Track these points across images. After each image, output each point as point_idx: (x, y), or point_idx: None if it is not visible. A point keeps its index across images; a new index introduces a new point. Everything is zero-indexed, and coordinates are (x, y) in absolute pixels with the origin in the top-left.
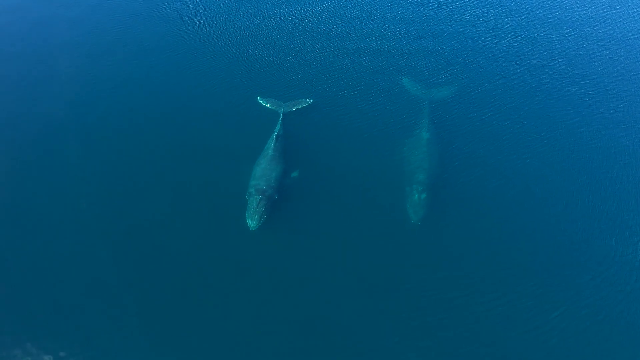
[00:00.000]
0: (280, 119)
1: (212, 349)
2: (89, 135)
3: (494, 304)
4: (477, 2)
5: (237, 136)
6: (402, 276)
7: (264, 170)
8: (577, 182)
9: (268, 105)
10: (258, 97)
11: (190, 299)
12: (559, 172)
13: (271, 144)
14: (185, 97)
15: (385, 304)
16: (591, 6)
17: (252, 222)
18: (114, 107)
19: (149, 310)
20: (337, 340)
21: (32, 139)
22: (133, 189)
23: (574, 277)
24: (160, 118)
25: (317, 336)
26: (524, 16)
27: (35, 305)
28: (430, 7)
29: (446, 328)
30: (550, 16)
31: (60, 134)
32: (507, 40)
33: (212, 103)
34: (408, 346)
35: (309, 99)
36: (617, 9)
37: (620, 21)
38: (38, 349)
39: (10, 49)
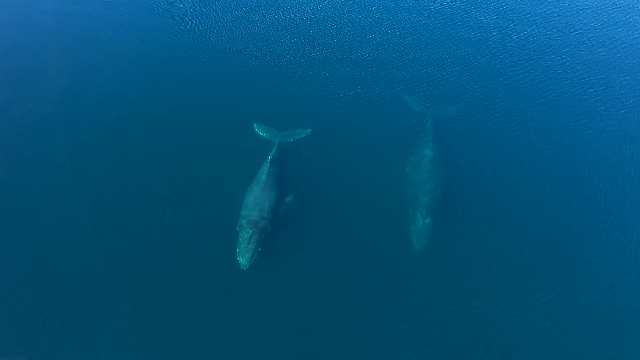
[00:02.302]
0: (276, 146)
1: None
2: (80, 142)
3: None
4: (483, 17)
5: (232, 161)
6: (405, 308)
7: (256, 199)
8: (592, 202)
9: (264, 135)
10: (255, 125)
11: (182, 309)
12: (573, 191)
13: (265, 169)
14: (179, 112)
15: (388, 339)
16: (600, 12)
17: (243, 260)
18: (105, 123)
19: (139, 313)
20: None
21: (27, 138)
22: (115, 219)
23: (587, 303)
24: (150, 126)
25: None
26: (533, 27)
27: (29, 304)
28: (432, 28)
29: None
30: (562, 25)
31: (53, 133)
32: (515, 55)
33: (205, 117)
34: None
35: (307, 130)
36: (625, 14)
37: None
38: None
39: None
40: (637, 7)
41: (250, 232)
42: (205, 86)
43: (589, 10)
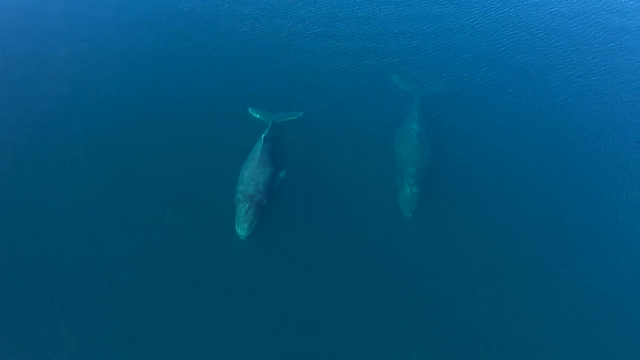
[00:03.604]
0: (269, 126)
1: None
2: (78, 140)
3: (488, 293)
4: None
5: (228, 141)
6: (396, 270)
7: (252, 175)
8: (573, 172)
9: (258, 117)
10: (249, 109)
11: (180, 308)
12: (553, 162)
13: (259, 146)
14: (177, 103)
15: (382, 299)
16: None
17: (241, 231)
18: (105, 111)
19: (137, 313)
20: (334, 342)
21: (27, 138)
22: (121, 194)
23: (569, 267)
24: (150, 124)
25: (313, 340)
26: (513, 10)
27: (29, 304)
28: (417, 6)
29: (439, 317)
30: (541, 3)
31: (53, 133)
32: (497, 35)
33: (203, 110)
34: (403, 338)
35: (300, 112)
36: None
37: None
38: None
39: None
40: None
41: (247, 205)
42: (200, 73)
43: None
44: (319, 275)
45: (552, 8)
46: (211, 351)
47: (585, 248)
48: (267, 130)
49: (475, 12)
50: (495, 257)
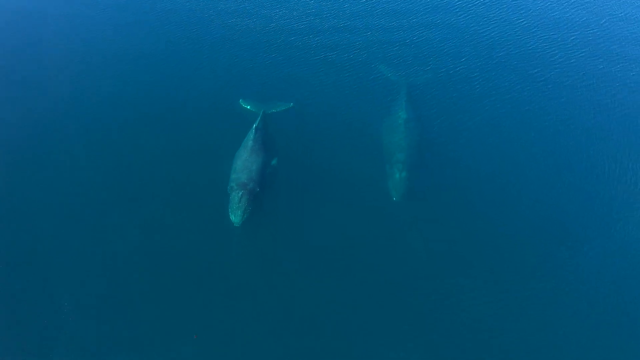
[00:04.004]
0: (260, 116)
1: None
2: (72, 128)
3: (476, 274)
4: None
5: (220, 132)
6: (386, 253)
7: (244, 163)
8: (558, 157)
9: (249, 108)
10: (240, 100)
11: (177, 296)
12: (537, 145)
13: (251, 135)
14: (169, 96)
15: (373, 283)
16: None
17: (235, 218)
18: (97, 103)
19: (134, 307)
20: (328, 328)
21: (27, 138)
22: (112, 185)
23: (556, 251)
24: (144, 118)
25: (308, 324)
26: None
27: (29, 304)
28: (402, 1)
29: (429, 299)
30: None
31: (53, 133)
32: (483, 25)
33: (194, 102)
34: (394, 322)
35: (290, 103)
36: None
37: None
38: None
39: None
40: None
41: (240, 193)
42: (191, 67)
43: None
44: (312, 258)
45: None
46: (206, 334)
47: (574, 231)
48: (258, 120)
49: (459, 3)
50: (483, 238)
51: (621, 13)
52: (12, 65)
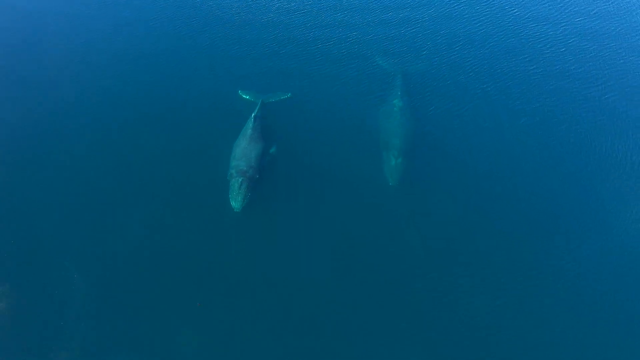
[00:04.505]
0: (259, 105)
1: (198, 332)
2: (73, 118)
3: (466, 254)
4: None
5: (220, 122)
6: (382, 236)
7: (243, 151)
8: (552, 139)
9: (248, 98)
10: (239, 91)
11: (180, 273)
12: (528, 128)
13: (250, 124)
14: (170, 88)
15: (369, 265)
16: None
17: (235, 204)
18: (99, 98)
19: (136, 295)
20: (325, 313)
21: (26, 138)
22: (114, 174)
23: (547, 237)
24: (145, 107)
25: (306, 309)
26: None
27: (30, 304)
28: None
29: (425, 288)
30: None
31: (53, 133)
32: (475, 15)
33: (194, 94)
34: (390, 307)
35: (288, 93)
36: None
37: None
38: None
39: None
40: None
41: (240, 179)
42: (191, 59)
43: None
44: (309, 241)
45: None
46: (206, 316)
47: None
48: (256, 110)
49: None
50: (476, 217)
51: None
52: (12, 65)
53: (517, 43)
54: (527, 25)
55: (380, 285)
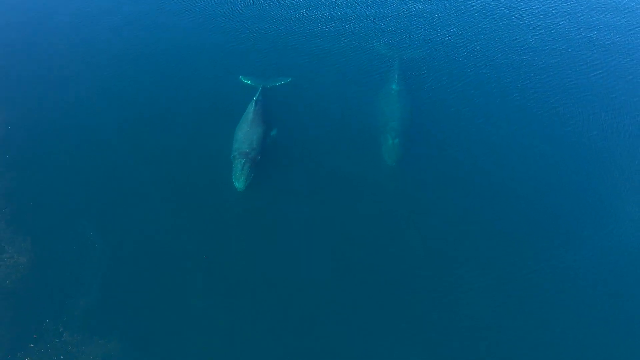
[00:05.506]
0: (260, 90)
1: (201, 315)
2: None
3: (463, 232)
4: None
5: (222, 106)
6: (380, 215)
7: (245, 134)
8: (546, 125)
9: (249, 83)
10: (241, 76)
11: (186, 250)
12: (524, 115)
13: (251, 108)
14: (173, 75)
15: (368, 243)
16: None
17: (239, 184)
18: (103, 86)
19: (140, 278)
20: (325, 295)
21: (26, 137)
22: (122, 158)
23: (547, 237)
24: (149, 96)
25: (306, 291)
26: None
27: (30, 304)
28: None
29: (419, 262)
30: None
31: (53, 133)
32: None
33: (198, 80)
34: (390, 307)
35: (288, 78)
36: None
37: None
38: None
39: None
40: None
41: (243, 161)
42: (193, 46)
43: None
44: (309, 220)
45: None
46: (207, 295)
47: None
48: (257, 94)
49: None
50: (470, 195)
51: None
52: (12, 65)
53: (512, 30)
54: (523, 12)
55: (380, 285)
